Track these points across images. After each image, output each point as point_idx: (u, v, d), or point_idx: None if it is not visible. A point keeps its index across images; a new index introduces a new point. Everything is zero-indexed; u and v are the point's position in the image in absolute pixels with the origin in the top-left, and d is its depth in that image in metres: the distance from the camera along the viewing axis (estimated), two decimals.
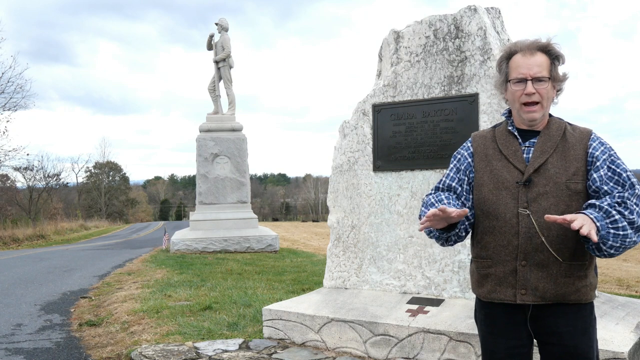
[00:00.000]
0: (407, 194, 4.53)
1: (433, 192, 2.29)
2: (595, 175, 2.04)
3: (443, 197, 2.19)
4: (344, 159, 4.89)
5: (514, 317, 2.13)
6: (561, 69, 2.14)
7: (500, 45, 4.36)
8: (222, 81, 14.27)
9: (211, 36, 14.12)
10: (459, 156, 2.29)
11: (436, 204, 2.16)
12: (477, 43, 4.25)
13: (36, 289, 8.33)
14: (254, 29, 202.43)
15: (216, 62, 14.13)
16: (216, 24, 14.32)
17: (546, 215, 1.91)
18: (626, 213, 1.95)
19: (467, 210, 1.98)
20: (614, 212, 1.93)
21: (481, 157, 2.21)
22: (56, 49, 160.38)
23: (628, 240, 1.94)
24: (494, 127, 2.29)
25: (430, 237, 2.24)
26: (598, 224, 1.90)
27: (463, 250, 4.22)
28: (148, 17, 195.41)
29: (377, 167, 4.68)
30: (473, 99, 4.23)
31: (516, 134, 2.17)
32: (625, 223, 1.93)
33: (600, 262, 13.01)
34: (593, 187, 2.04)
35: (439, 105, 4.40)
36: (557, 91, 2.15)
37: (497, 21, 4.55)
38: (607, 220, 1.93)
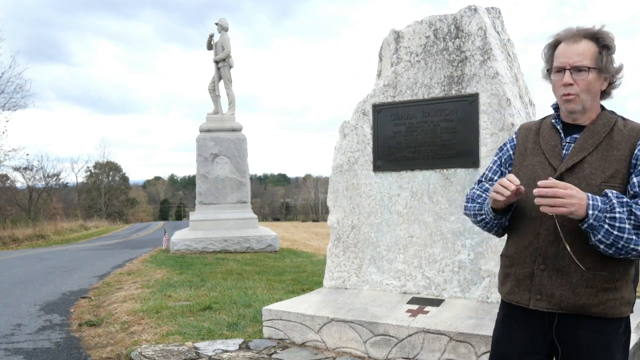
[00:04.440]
0: (407, 194, 4.52)
1: (477, 184, 2.23)
2: (635, 180, 1.85)
3: (488, 186, 2.15)
4: (344, 159, 4.89)
5: (530, 322, 2.00)
6: (615, 59, 1.97)
7: (500, 45, 4.36)
8: (222, 81, 14.28)
9: (211, 36, 14.13)
10: (505, 148, 2.21)
11: (483, 194, 2.12)
12: (477, 43, 4.24)
13: (36, 289, 8.33)
14: (251, 28, 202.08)
15: (216, 62, 14.13)
16: (216, 24, 14.33)
17: (540, 182, 1.80)
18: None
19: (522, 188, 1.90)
20: (619, 209, 1.76)
21: (520, 151, 2.11)
22: (52, 48, 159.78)
23: (623, 243, 1.77)
24: (543, 118, 2.17)
25: (479, 221, 2.14)
26: (591, 212, 1.76)
27: (463, 251, 4.22)
28: (144, 16, 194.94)
29: (377, 167, 4.67)
30: (473, 99, 4.23)
31: (559, 128, 2.03)
32: (627, 225, 1.76)
33: None
34: (631, 192, 1.85)
35: (439, 105, 4.40)
36: (610, 84, 1.98)
37: (497, 21, 4.55)
38: (607, 215, 1.77)
